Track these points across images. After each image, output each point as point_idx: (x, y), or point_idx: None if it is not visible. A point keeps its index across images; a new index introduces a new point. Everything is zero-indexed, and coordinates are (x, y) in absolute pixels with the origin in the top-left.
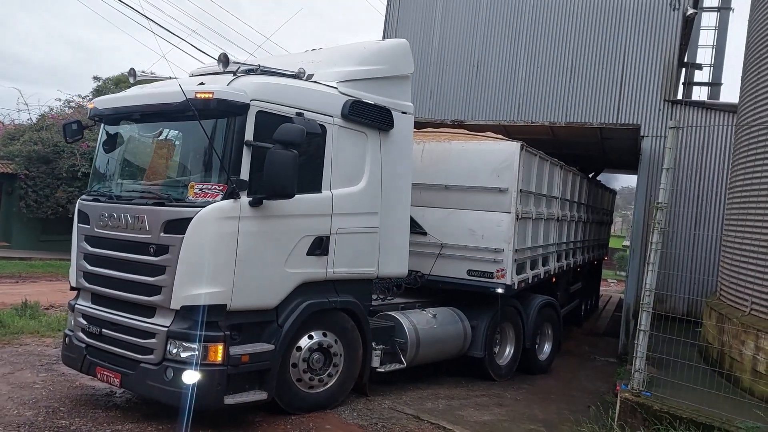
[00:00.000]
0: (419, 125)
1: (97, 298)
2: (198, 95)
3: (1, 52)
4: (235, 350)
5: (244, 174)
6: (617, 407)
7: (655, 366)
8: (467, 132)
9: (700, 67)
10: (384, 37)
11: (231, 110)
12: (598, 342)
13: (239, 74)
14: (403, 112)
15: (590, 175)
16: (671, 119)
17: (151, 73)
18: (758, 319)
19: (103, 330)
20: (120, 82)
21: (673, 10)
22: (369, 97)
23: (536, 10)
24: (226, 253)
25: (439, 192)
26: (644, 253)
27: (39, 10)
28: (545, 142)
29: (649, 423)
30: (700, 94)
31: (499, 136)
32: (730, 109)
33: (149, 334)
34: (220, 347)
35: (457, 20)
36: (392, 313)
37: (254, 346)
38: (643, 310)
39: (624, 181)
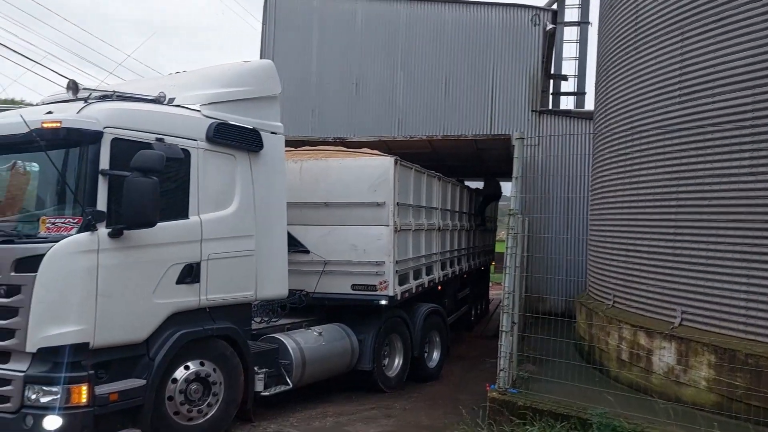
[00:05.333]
0: (302, 144)
1: None
2: (45, 125)
3: None
4: (101, 389)
5: (102, 204)
6: (487, 407)
7: (535, 365)
8: (344, 149)
9: (565, 78)
10: (262, 58)
11: (83, 139)
12: (488, 344)
13: (91, 101)
14: (272, 132)
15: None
16: (538, 129)
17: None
18: (620, 310)
19: None
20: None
21: (534, 26)
22: (235, 119)
23: (409, 28)
24: (84, 289)
25: (320, 209)
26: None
27: None
28: (425, 155)
29: (514, 419)
30: (568, 103)
31: (375, 151)
32: (590, 116)
33: (4, 381)
34: (84, 388)
35: (334, 39)
36: (276, 335)
37: (124, 383)
38: (503, 312)
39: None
